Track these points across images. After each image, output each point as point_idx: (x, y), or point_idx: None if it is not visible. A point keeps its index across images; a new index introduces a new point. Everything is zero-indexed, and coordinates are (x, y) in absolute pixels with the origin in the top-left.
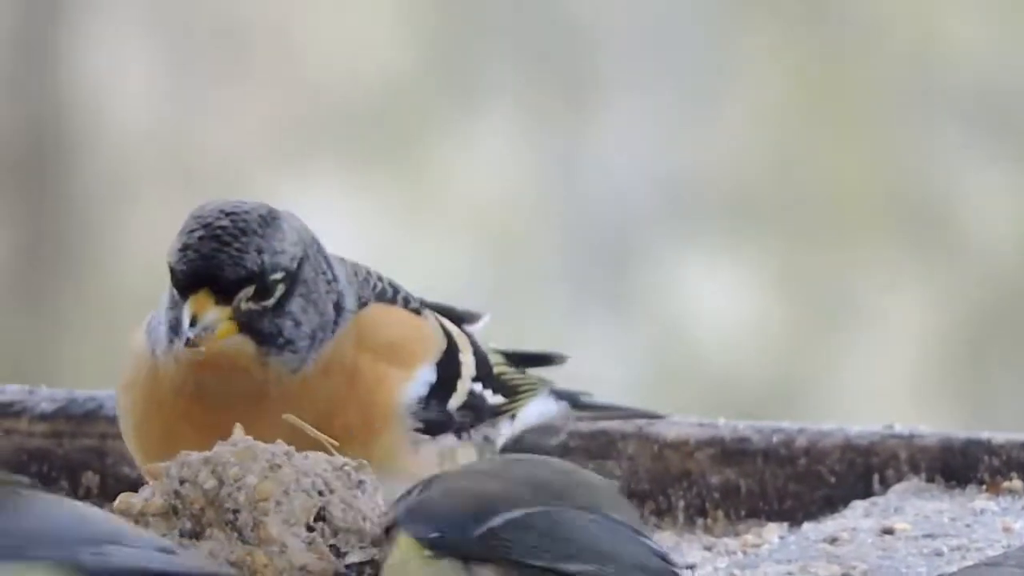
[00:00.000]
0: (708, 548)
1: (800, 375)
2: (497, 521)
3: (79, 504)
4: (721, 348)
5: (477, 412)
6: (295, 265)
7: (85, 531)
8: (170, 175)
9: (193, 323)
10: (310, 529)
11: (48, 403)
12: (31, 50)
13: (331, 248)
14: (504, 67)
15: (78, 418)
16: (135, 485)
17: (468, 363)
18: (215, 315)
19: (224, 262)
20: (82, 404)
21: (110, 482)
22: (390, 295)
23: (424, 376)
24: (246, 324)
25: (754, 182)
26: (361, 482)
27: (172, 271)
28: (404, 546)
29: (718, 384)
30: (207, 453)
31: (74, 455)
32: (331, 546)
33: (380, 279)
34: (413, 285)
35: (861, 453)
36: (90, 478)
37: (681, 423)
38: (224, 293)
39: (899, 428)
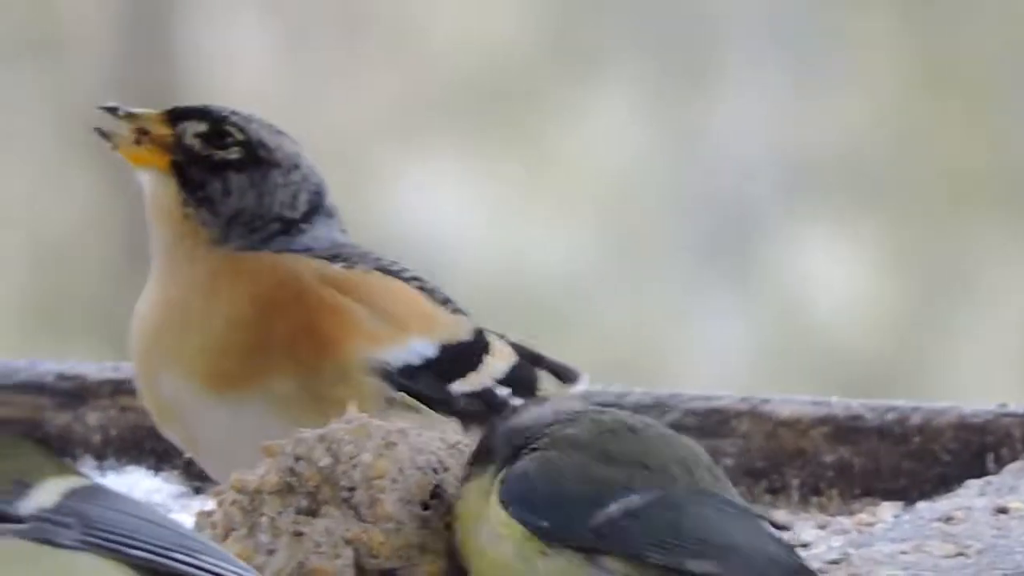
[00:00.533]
0: (822, 527)
1: (915, 352)
2: (614, 510)
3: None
4: (837, 324)
5: (490, 407)
6: (264, 153)
7: (177, 535)
8: None
9: (129, 115)
10: (425, 507)
11: None
12: (146, 27)
13: (450, 222)
14: (623, 41)
15: None
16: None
17: (494, 368)
18: (148, 121)
19: (198, 103)
20: None
21: None
22: (402, 273)
23: (418, 349)
24: (179, 163)
25: (872, 158)
26: None
27: None
28: (511, 531)
29: (832, 360)
30: (322, 430)
31: None
32: (447, 524)
33: (403, 270)
34: (532, 260)
35: (975, 432)
36: None
37: (794, 401)
38: (172, 119)
39: (1013, 407)
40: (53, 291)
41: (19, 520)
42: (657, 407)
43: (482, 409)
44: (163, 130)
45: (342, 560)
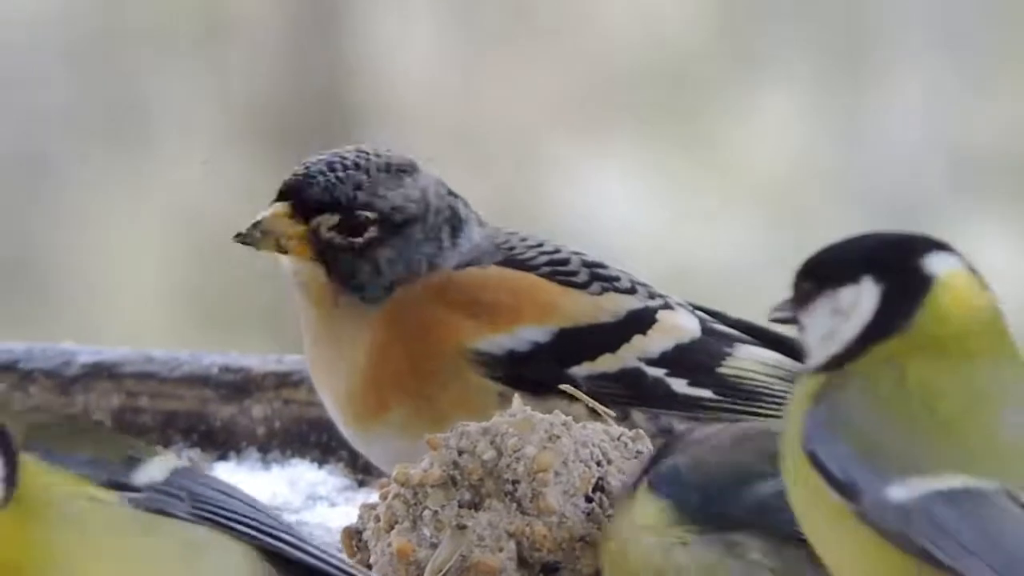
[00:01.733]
0: None
1: None
2: (765, 490)
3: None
4: (1011, 318)
5: (639, 392)
6: (399, 217)
7: (274, 519)
8: (458, 144)
9: (258, 222)
10: (589, 500)
11: None
12: (318, 19)
13: (618, 218)
14: (791, 38)
15: None
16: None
17: (645, 347)
18: (283, 226)
19: (314, 182)
20: None
21: None
22: (532, 261)
23: (526, 334)
24: (322, 253)
25: None
26: (639, 452)
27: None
28: (657, 518)
29: None
30: (485, 424)
31: None
32: (609, 516)
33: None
34: (699, 252)
35: None
36: None
37: None
38: (303, 212)
39: None
40: (219, 285)
41: (136, 489)
42: None
43: (622, 391)
44: (296, 229)
45: (505, 553)
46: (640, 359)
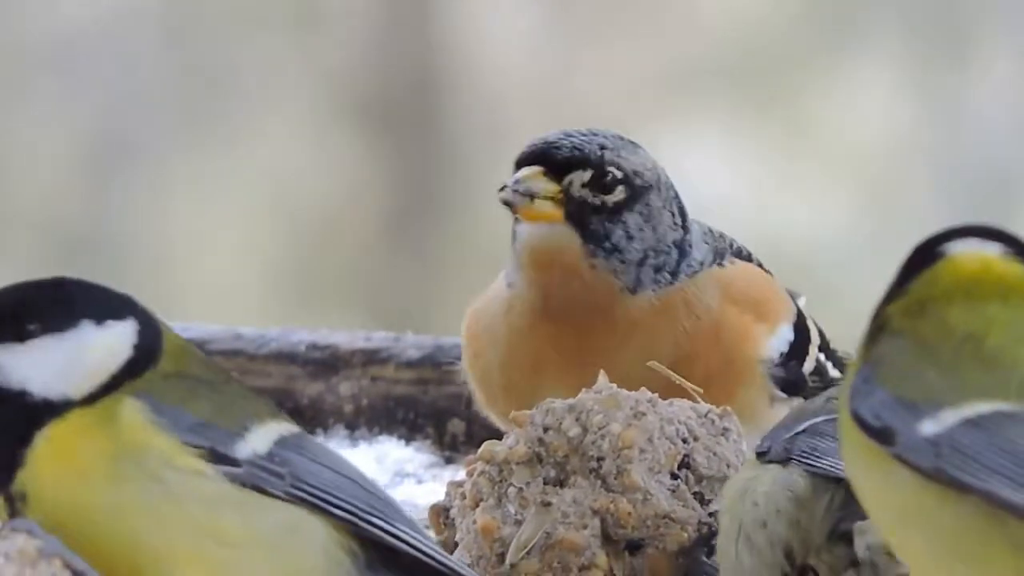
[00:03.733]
0: None
1: None
2: (799, 428)
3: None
4: None
5: (825, 383)
6: (640, 181)
7: (376, 498)
8: (547, 122)
9: (516, 180)
10: (674, 477)
11: (415, 350)
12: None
13: (712, 194)
14: (885, 13)
15: (444, 365)
16: (500, 433)
17: (813, 330)
18: (540, 184)
19: (562, 143)
20: (448, 351)
21: (475, 429)
22: (745, 254)
23: (784, 334)
24: (574, 213)
25: None
26: (726, 430)
27: (516, 159)
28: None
29: None
30: (571, 400)
31: (440, 402)
32: (695, 493)
33: (733, 241)
34: (792, 226)
35: None
36: (456, 425)
37: None
38: (555, 172)
39: None
40: (309, 262)
41: (236, 463)
42: None
43: (819, 381)
44: (551, 186)
45: (589, 530)
46: (818, 350)
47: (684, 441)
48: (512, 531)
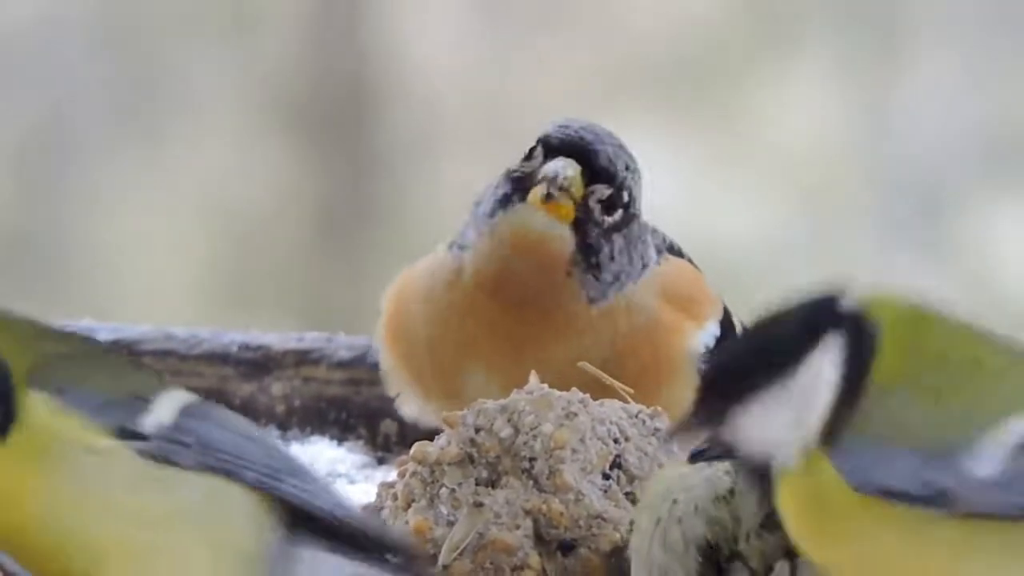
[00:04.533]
0: None
1: None
2: None
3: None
4: None
5: None
6: (634, 209)
7: (284, 459)
8: (480, 126)
9: (556, 179)
10: (606, 477)
11: (347, 351)
12: (343, 4)
13: (647, 199)
14: (817, 15)
15: (376, 366)
16: (432, 434)
17: (739, 328)
18: (578, 190)
19: (600, 149)
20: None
21: (408, 430)
22: (677, 249)
23: (712, 331)
24: (581, 221)
25: None
26: (656, 430)
27: (544, 138)
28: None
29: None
30: (503, 401)
31: (372, 403)
32: (627, 494)
33: (665, 236)
34: (726, 231)
35: None
36: (388, 425)
37: None
38: (588, 177)
39: None
40: (239, 264)
41: (144, 437)
42: None
43: None
44: (579, 191)
45: (522, 531)
46: None
47: (616, 441)
48: (445, 532)
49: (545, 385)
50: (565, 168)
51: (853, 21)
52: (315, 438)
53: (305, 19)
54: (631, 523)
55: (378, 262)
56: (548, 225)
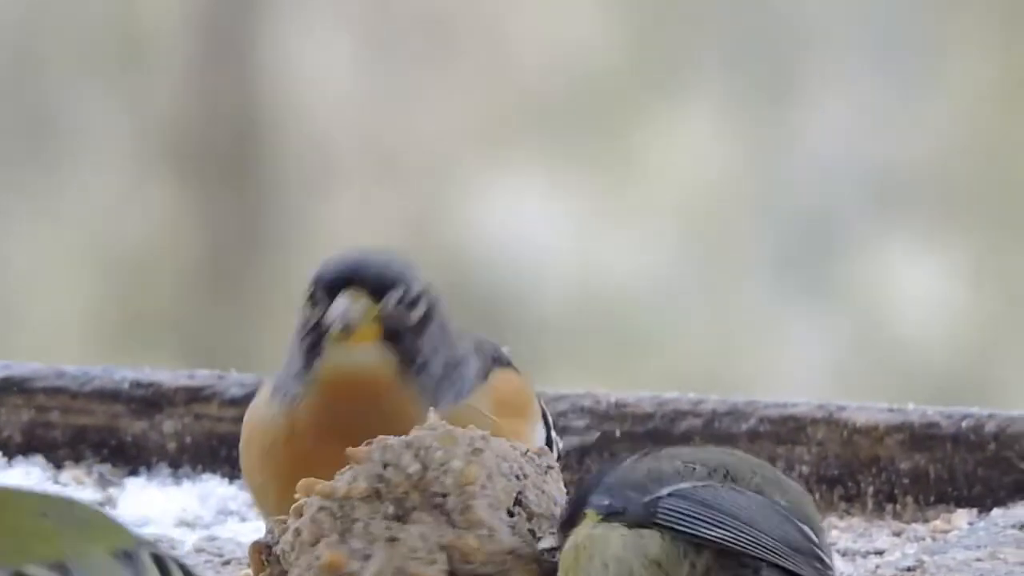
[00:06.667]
0: (897, 534)
1: (996, 366)
2: (663, 491)
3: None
4: (919, 336)
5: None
6: (430, 297)
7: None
8: (369, 165)
9: (345, 314)
10: (510, 514)
11: (238, 388)
12: (225, 37)
13: (533, 237)
14: (707, 57)
15: None
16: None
17: (548, 416)
18: (363, 306)
19: (372, 263)
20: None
21: None
22: (505, 360)
23: (541, 434)
24: (391, 333)
25: (959, 172)
26: (549, 467)
27: (316, 281)
28: (587, 518)
29: (914, 373)
30: (407, 437)
31: None
32: (528, 531)
33: (491, 347)
34: (615, 271)
35: None
36: None
37: (870, 408)
38: (374, 292)
39: None
40: (129, 302)
41: None
42: (733, 414)
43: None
44: (372, 309)
45: (438, 566)
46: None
47: (517, 478)
48: (360, 565)
49: (444, 422)
50: (350, 303)
51: (744, 61)
52: (207, 476)
53: (193, 58)
54: (538, 560)
55: (268, 301)
56: (362, 356)
